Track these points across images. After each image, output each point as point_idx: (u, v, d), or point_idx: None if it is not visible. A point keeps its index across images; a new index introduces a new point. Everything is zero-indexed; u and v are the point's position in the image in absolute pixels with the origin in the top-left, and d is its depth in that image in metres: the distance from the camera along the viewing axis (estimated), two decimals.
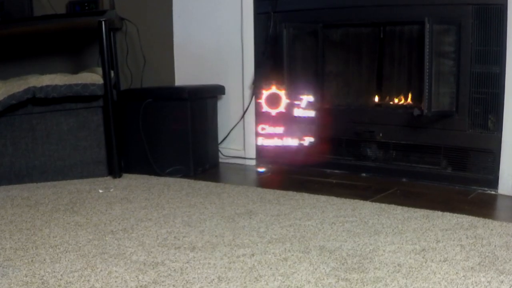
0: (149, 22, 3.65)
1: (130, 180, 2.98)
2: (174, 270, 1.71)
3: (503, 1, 2.54)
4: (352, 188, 2.79)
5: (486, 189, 2.69)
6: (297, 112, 3.19)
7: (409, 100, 3.06)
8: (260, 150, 3.39)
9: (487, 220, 2.16)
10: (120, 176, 3.04)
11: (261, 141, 3.30)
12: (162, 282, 1.62)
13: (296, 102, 3.20)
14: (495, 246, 1.87)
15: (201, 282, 1.61)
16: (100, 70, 3.01)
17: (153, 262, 1.78)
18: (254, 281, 1.61)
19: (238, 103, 3.45)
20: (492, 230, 2.04)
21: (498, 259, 1.75)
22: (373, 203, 2.45)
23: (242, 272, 1.68)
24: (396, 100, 3.11)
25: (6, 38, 3.63)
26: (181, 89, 3.11)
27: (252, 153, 3.43)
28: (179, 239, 2.00)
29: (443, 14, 2.72)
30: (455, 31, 2.71)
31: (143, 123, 3.11)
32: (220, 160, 3.49)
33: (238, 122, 3.46)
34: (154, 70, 3.67)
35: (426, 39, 2.66)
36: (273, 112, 3.23)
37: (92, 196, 2.65)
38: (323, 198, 2.54)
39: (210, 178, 3.03)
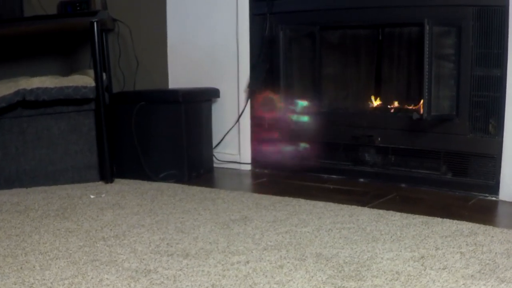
0: (142, 23, 3.65)
1: (122, 186, 2.98)
2: (167, 277, 1.71)
3: (505, 2, 2.55)
4: (350, 194, 2.79)
5: (486, 195, 2.70)
6: (293, 116, 3.19)
7: (408, 103, 3.07)
8: (255, 155, 3.39)
9: (487, 227, 2.16)
10: (112, 181, 3.04)
11: (257, 146, 3.30)
12: None
13: (292, 106, 3.20)
14: (495, 253, 1.88)
15: None
16: (92, 72, 3.01)
17: (145, 269, 1.78)
18: None
19: (233, 106, 3.45)
20: (492, 237, 2.05)
21: (498, 266, 1.76)
22: (371, 209, 2.45)
23: (237, 280, 1.68)
24: (395, 104, 3.12)
25: None
26: (175, 92, 3.11)
27: (247, 158, 3.43)
28: (172, 246, 2.00)
29: (443, 15, 2.73)
30: (455, 33, 2.72)
31: (136, 127, 3.11)
32: (215, 165, 3.49)
33: (233, 126, 3.47)
34: (147, 72, 3.67)
35: (426, 41, 2.66)
36: (269, 116, 3.23)
37: (83, 201, 2.65)
38: (320, 204, 2.55)
39: (204, 183, 3.02)
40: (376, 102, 3.19)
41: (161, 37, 3.65)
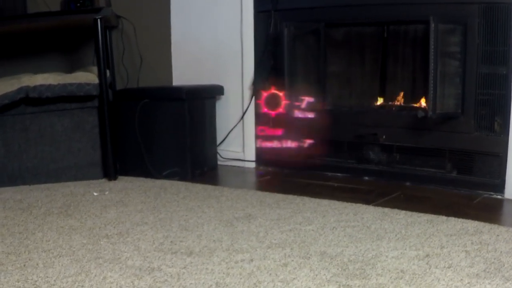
0: (146, 20, 3.65)
1: (125, 183, 2.98)
2: (171, 275, 1.71)
3: (511, 0, 2.54)
4: (354, 192, 2.79)
5: (492, 193, 2.70)
6: (298, 114, 3.19)
7: (413, 101, 3.07)
8: (259, 153, 3.39)
9: (493, 226, 2.16)
10: (115, 178, 3.04)
11: (261, 143, 3.30)
12: (158, 287, 1.62)
13: (297, 104, 3.20)
14: (501, 252, 1.87)
15: None
16: (95, 69, 3.01)
17: (149, 267, 1.78)
18: (253, 287, 1.62)
19: (237, 104, 3.45)
20: (498, 235, 2.04)
21: (504, 265, 1.75)
22: (376, 208, 2.45)
23: (241, 278, 1.68)
24: (399, 102, 3.11)
25: None
26: (179, 89, 3.12)
27: (251, 156, 3.43)
28: (176, 244, 2.00)
29: (449, 13, 2.73)
30: (461, 31, 2.72)
31: (140, 124, 3.12)
32: (219, 163, 3.49)
33: (237, 124, 3.47)
34: (151, 69, 3.67)
35: (431, 39, 2.66)
36: (274, 113, 3.23)
37: (86, 199, 2.66)
38: (324, 202, 2.55)
39: (208, 181, 3.03)
40: (380, 100, 3.19)
41: (165, 34, 3.65)
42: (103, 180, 3.06)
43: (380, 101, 3.19)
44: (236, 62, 3.43)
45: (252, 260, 1.83)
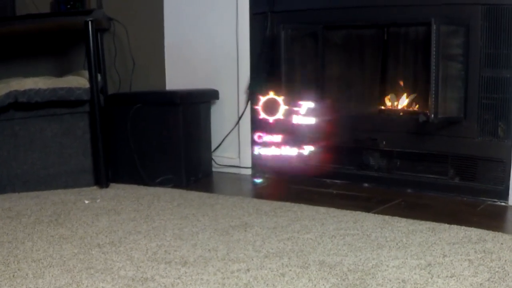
0: (138, 22, 3.66)
1: (118, 190, 2.98)
2: (165, 286, 1.71)
3: None
4: (354, 199, 2.79)
5: (496, 200, 2.70)
6: (296, 119, 3.19)
7: (414, 105, 3.08)
8: (256, 159, 3.40)
9: (497, 233, 2.16)
10: (107, 186, 3.04)
11: (258, 150, 3.30)
12: None
13: (295, 109, 3.20)
14: (505, 261, 1.88)
15: None
16: (86, 73, 3.01)
17: (142, 277, 1.78)
18: None
19: (233, 108, 3.45)
20: (502, 244, 2.05)
21: (508, 274, 1.76)
22: (376, 215, 2.46)
23: None
24: (400, 106, 3.12)
25: None
26: (173, 93, 3.12)
27: (247, 162, 3.43)
28: (169, 253, 2.00)
29: (451, 14, 2.74)
30: (463, 33, 2.73)
31: (132, 130, 3.12)
32: (214, 169, 3.50)
33: (232, 129, 3.47)
34: (143, 73, 3.68)
35: (433, 41, 2.67)
36: (271, 119, 3.23)
37: (77, 207, 2.66)
38: (322, 209, 2.55)
39: (203, 188, 3.03)
40: (381, 104, 3.19)
41: (158, 37, 3.65)
42: (95, 187, 3.06)
43: (380, 105, 3.19)
44: (231, 66, 3.44)
45: (248, 270, 1.84)
